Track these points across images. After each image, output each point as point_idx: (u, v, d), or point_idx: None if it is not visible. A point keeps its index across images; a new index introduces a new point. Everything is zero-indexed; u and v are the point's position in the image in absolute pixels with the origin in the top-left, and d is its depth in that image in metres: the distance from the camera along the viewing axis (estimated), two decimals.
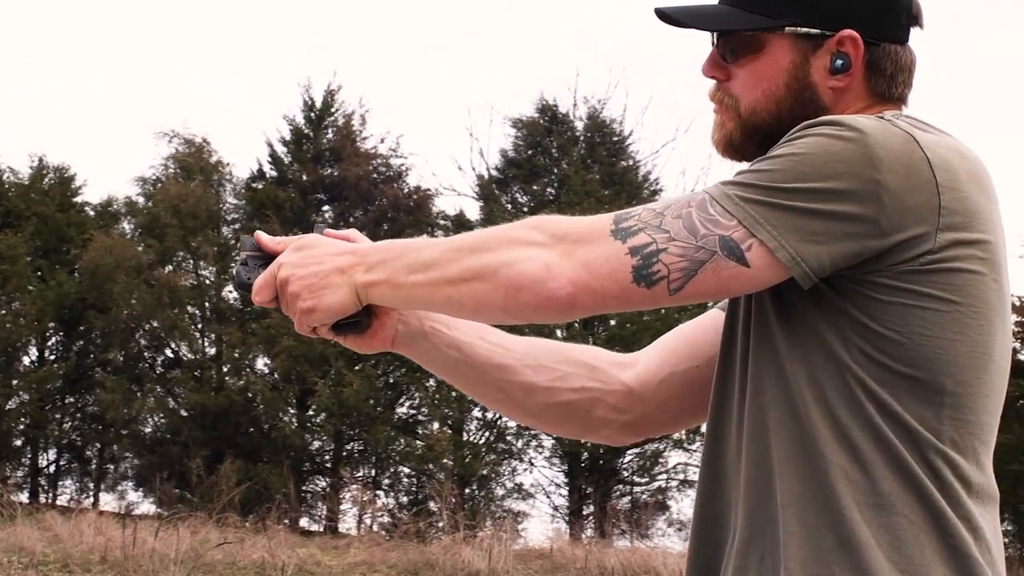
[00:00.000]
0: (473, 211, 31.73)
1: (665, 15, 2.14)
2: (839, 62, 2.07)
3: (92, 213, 33.03)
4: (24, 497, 28.64)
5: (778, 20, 2.08)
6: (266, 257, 2.24)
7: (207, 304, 30.87)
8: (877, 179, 1.87)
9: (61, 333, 31.01)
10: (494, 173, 31.82)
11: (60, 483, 31.29)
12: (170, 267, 30.86)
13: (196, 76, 53.44)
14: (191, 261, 31.44)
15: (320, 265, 2.12)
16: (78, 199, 33.08)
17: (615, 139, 30.70)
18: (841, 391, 1.93)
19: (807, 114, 2.05)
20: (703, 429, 2.18)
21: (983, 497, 1.97)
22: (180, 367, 30.52)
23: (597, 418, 2.35)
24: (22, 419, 28.55)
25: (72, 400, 31.15)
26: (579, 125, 31.19)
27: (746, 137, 2.12)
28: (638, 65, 51.05)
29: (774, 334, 1.99)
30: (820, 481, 1.92)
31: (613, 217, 1.95)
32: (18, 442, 29.14)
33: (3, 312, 27.97)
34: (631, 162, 30.76)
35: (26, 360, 29.69)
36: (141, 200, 32.43)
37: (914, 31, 2.14)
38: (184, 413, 28.79)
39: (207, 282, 31.25)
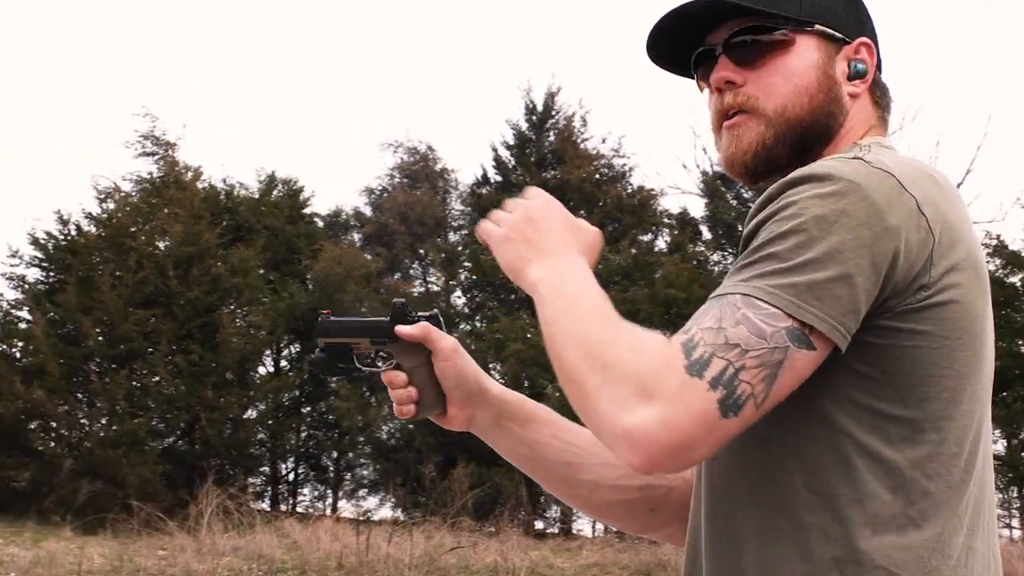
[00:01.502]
0: (698, 208, 31.45)
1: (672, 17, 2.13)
2: (860, 66, 2.09)
3: (321, 224, 33.64)
4: (265, 505, 29.25)
5: (807, 17, 2.09)
6: (343, 346, 2.37)
7: (436, 310, 31.16)
8: (886, 227, 1.81)
9: (296, 344, 31.61)
10: (719, 169, 31.50)
11: (299, 491, 31.92)
12: (399, 274, 31.22)
13: (417, 85, 54.17)
14: (419, 268, 31.78)
15: (515, 236, 2.13)
16: (307, 211, 33.72)
17: None
18: (825, 446, 1.86)
19: (835, 112, 2.06)
20: None
21: (975, 528, 1.92)
22: None
23: (661, 516, 2.33)
24: (259, 428, 29.14)
25: (308, 409, 31.71)
26: None
27: (779, 138, 2.06)
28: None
29: None
30: (797, 542, 1.87)
31: (681, 348, 1.79)
32: (257, 451, 29.75)
33: (238, 324, 28.57)
34: None
35: (261, 370, 30.32)
36: (368, 211, 32.91)
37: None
38: None
39: (435, 288, 31.52)
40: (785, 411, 1.83)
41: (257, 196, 32.74)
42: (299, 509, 30.27)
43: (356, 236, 33.44)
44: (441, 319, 2.41)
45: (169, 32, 58.81)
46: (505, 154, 31.89)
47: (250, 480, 28.62)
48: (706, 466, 2.01)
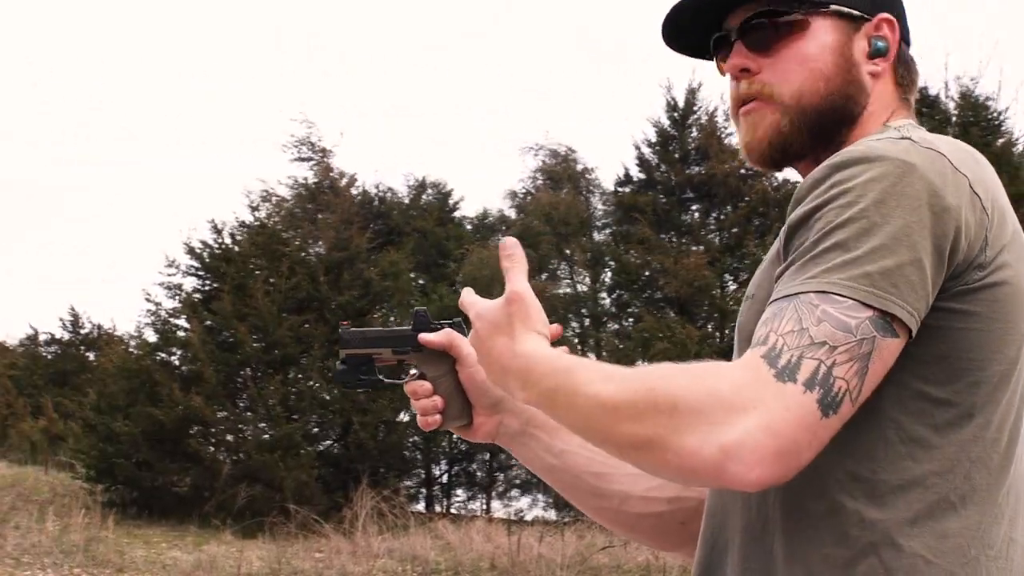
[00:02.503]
0: None
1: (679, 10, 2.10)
2: (880, 44, 2.01)
3: (469, 227, 33.89)
4: (420, 507, 29.52)
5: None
6: (365, 358, 2.32)
7: (584, 310, 31.17)
8: (945, 206, 1.75)
9: None
10: None
11: (452, 492, 32.17)
12: (545, 275, 31.32)
13: (556, 88, 54.37)
14: (566, 269, 31.82)
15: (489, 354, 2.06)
16: (456, 214, 34.01)
17: (990, 117, 29.53)
18: (866, 429, 1.79)
19: (854, 95, 1.99)
20: None
21: (1016, 518, 1.86)
22: None
23: (691, 530, 2.19)
24: (412, 431, 29.39)
25: None
26: (951, 105, 30.19)
27: (795, 124, 2.00)
28: (1013, 38, 49.29)
29: None
30: (832, 526, 1.81)
31: (763, 360, 1.69)
32: (410, 454, 30.02)
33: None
34: (1008, 140, 29.53)
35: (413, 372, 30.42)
36: (512, 213, 33.08)
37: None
38: None
39: (582, 289, 31.56)
40: None
41: (407, 201, 33.07)
42: (452, 510, 30.51)
43: (503, 239, 33.62)
44: (464, 326, 2.30)
45: (322, 38, 59.61)
46: (647, 152, 31.83)
47: (404, 483, 28.90)
48: None
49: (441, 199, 33.90)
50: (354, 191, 30.41)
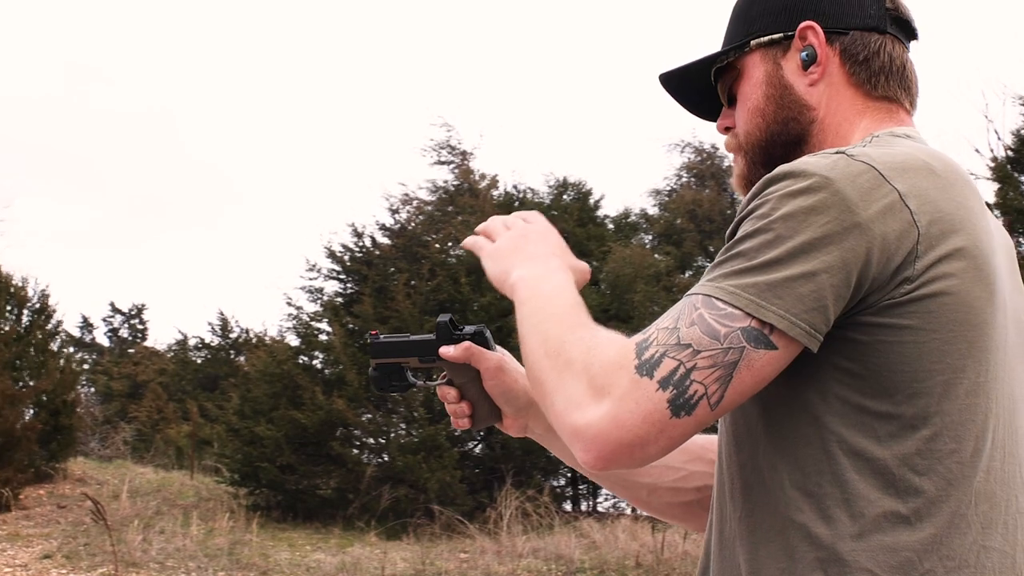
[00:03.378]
0: (988, 194, 30.43)
1: (664, 80, 2.20)
2: (804, 54, 2.04)
3: (611, 226, 33.73)
4: (567, 506, 29.43)
5: (743, 39, 2.08)
6: (395, 365, 2.39)
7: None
8: (856, 221, 1.76)
9: None
10: (1009, 154, 30.40)
11: (599, 490, 32.04)
12: (689, 272, 31.04)
13: None
14: (709, 265, 31.60)
15: (505, 248, 2.16)
16: (597, 213, 33.85)
17: None
18: (813, 445, 1.82)
19: (794, 116, 2.04)
20: None
21: (991, 525, 1.84)
22: None
23: None
24: None
25: None
26: None
27: (751, 163, 2.10)
28: None
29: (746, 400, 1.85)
30: (784, 542, 1.83)
31: (635, 347, 1.79)
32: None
33: None
34: None
35: None
36: (655, 211, 32.84)
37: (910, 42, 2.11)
38: None
39: None
40: (777, 410, 1.84)
41: (547, 201, 32.99)
42: (599, 509, 30.37)
43: (646, 237, 33.45)
44: (487, 333, 2.37)
45: (462, 40, 60.02)
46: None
47: (551, 482, 28.82)
48: (717, 465, 2.00)
49: (581, 198, 33.75)
50: (495, 192, 30.38)
